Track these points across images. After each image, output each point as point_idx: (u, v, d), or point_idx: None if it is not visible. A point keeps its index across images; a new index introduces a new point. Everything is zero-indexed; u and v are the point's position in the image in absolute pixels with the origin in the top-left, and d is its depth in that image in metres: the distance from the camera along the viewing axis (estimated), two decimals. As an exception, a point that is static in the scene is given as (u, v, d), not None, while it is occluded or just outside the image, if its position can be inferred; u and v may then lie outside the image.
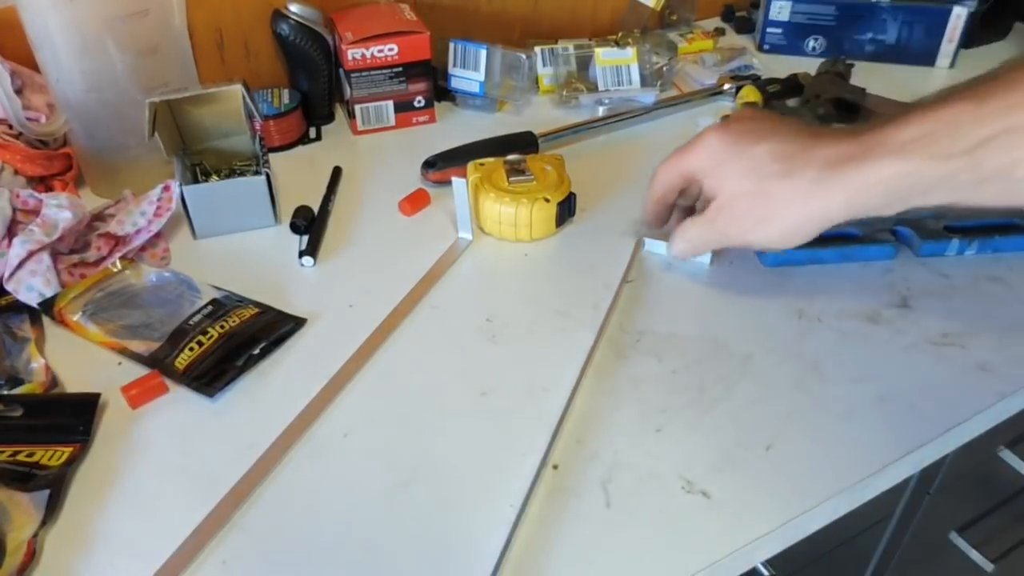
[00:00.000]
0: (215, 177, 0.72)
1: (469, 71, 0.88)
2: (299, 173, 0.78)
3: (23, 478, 0.46)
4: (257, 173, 0.69)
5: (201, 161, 0.73)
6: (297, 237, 0.68)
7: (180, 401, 0.53)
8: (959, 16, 0.95)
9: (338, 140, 0.85)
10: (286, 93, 0.84)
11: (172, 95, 0.67)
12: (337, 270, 0.66)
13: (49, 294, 0.60)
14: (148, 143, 0.67)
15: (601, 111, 0.88)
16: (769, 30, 1.02)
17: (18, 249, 0.59)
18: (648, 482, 0.47)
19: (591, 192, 0.72)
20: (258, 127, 0.73)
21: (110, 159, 0.72)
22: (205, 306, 0.59)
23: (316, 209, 0.71)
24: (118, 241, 0.66)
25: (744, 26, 1.08)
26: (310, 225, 0.69)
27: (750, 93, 0.87)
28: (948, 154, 0.45)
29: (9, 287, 0.59)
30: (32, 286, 0.60)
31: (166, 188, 0.67)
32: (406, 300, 0.61)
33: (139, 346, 0.57)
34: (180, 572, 0.42)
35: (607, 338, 0.57)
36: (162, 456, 0.49)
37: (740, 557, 0.44)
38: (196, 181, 0.71)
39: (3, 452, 0.48)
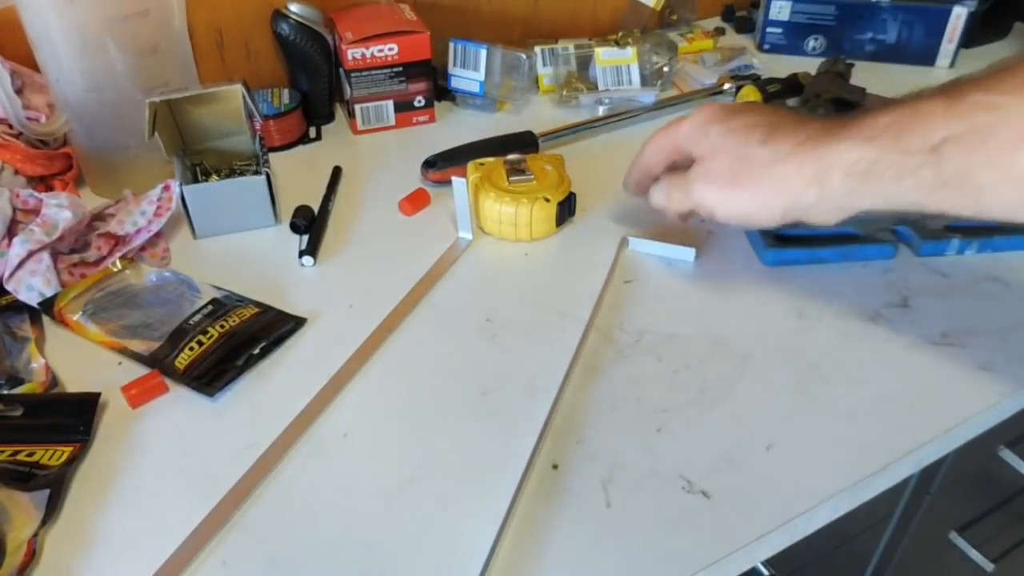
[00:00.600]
0: (215, 177, 0.72)
1: (469, 71, 0.88)
2: (299, 173, 0.78)
3: (23, 478, 0.46)
4: (257, 173, 0.69)
5: (201, 161, 0.73)
6: (297, 237, 0.68)
7: (180, 401, 0.53)
8: (959, 16, 0.95)
9: (338, 140, 0.85)
10: (286, 93, 0.84)
11: (172, 95, 0.67)
12: (337, 270, 0.66)
13: (49, 294, 0.60)
14: (148, 143, 0.67)
15: (601, 111, 0.88)
16: (769, 30, 1.02)
17: (18, 249, 0.59)
18: (648, 482, 0.47)
19: (591, 192, 0.72)
20: (258, 127, 0.73)
21: (110, 159, 0.72)
22: (205, 306, 0.59)
23: (316, 209, 0.71)
24: (118, 241, 0.66)
25: (744, 26, 1.08)
26: (310, 225, 0.69)
27: (750, 93, 0.87)
28: (912, 148, 0.44)
29: (9, 287, 0.59)
30: (32, 286, 0.60)
31: (166, 188, 0.67)
32: (406, 300, 0.61)
33: (139, 346, 0.57)
34: (180, 572, 0.42)
35: (607, 338, 0.57)
36: (162, 456, 0.49)
37: (740, 557, 0.44)
38: (196, 181, 0.71)
39: (3, 452, 0.48)
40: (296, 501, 0.47)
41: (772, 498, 0.46)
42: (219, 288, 0.61)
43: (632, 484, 0.47)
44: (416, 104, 0.85)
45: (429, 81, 0.84)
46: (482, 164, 0.70)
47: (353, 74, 0.81)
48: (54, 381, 0.54)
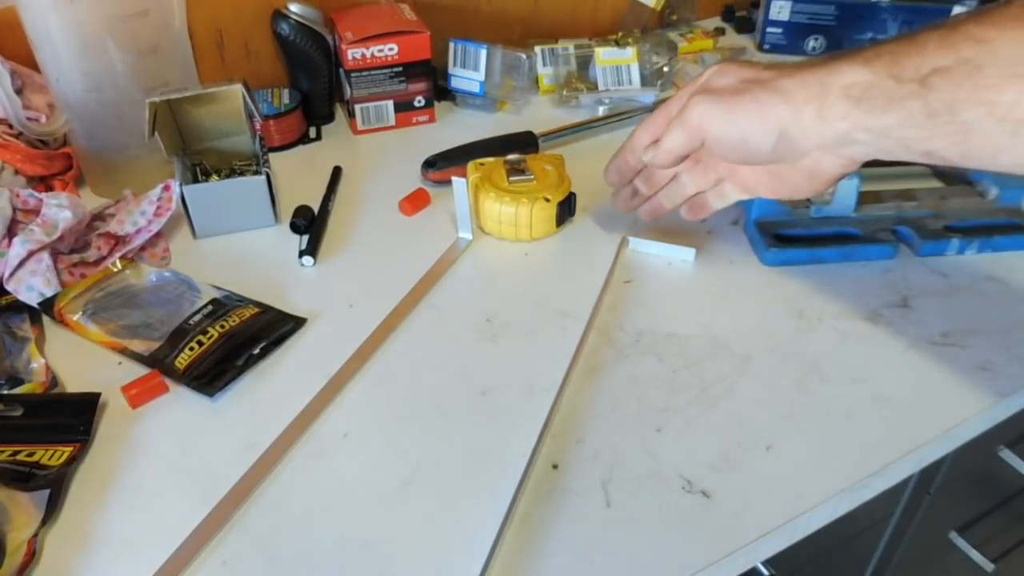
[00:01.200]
0: (215, 177, 0.72)
1: (469, 71, 0.88)
2: (299, 173, 0.78)
3: (23, 478, 0.46)
4: (257, 173, 0.69)
5: (201, 161, 0.73)
6: (297, 237, 0.68)
7: (180, 401, 0.53)
8: (959, 16, 0.94)
9: (338, 140, 0.85)
10: (286, 93, 0.84)
11: (172, 95, 0.67)
12: (337, 270, 0.66)
13: (49, 294, 0.60)
14: (148, 143, 0.67)
15: (601, 111, 0.88)
16: (769, 30, 1.02)
17: (18, 249, 0.59)
18: (648, 482, 0.47)
19: (591, 192, 0.72)
20: (258, 127, 0.73)
21: (110, 159, 0.72)
22: (205, 306, 0.59)
23: (316, 209, 0.71)
24: (118, 241, 0.66)
25: (744, 26, 1.09)
26: (310, 225, 0.69)
27: (750, 93, 0.87)
28: (904, 76, 0.43)
29: (9, 287, 0.59)
30: (32, 286, 0.60)
31: (166, 188, 0.67)
32: (406, 300, 0.61)
33: (139, 346, 0.57)
34: (180, 572, 0.42)
35: (607, 338, 0.57)
36: (162, 456, 0.49)
37: (740, 557, 0.44)
38: (196, 181, 0.71)
39: (3, 452, 0.48)
40: (296, 501, 0.47)
41: (772, 498, 0.46)
42: (219, 288, 0.61)
43: (632, 484, 0.47)
44: (416, 104, 0.85)
45: (429, 81, 0.84)
46: (482, 164, 0.70)
47: (353, 74, 0.81)
48: (54, 381, 0.54)
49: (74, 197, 0.66)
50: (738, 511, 0.45)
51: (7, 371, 0.54)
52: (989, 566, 0.78)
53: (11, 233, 0.62)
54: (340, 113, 0.89)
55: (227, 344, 0.56)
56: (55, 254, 0.62)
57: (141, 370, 0.55)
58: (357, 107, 0.83)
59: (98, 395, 0.52)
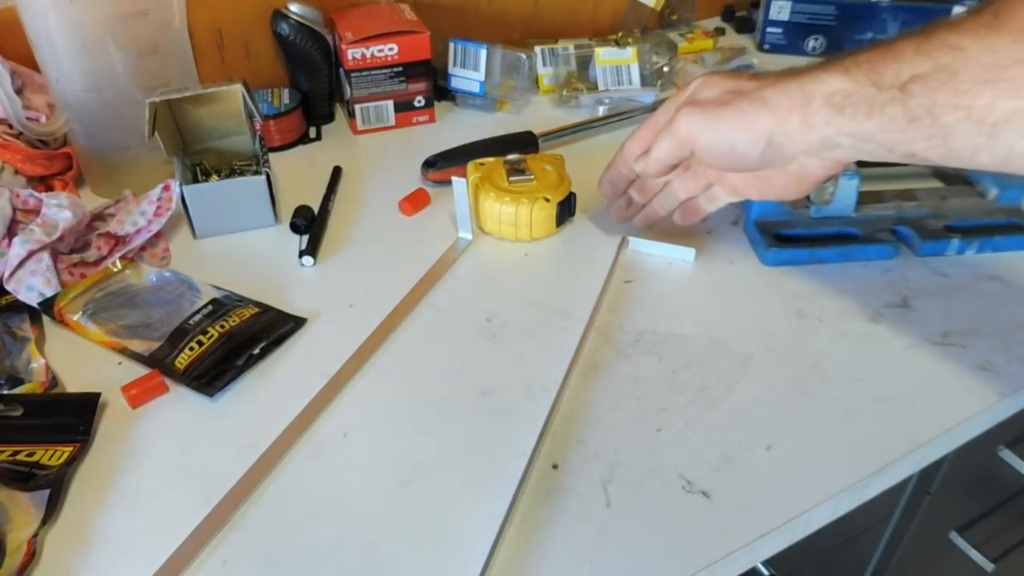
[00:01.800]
0: (215, 177, 0.72)
1: (469, 71, 0.88)
2: (299, 173, 0.78)
3: (23, 478, 0.46)
4: (257, 173, 0.69)
5: (201, 161, 0.73)
6: (297, 237, 0.68)
7: (180, 401, 0.53)
8: (959, 16, 0.94)
9: (338, 140, 0.85)
10: (286, 93, 0.84)
11: (172, 95, 0.67)
12: (337, 270, 0.66)
13: (49, 294, 0.60)
14: (148, 143, 0.67)
15: (601, 111, 0.88)
16: (769, 30, 1.02)
17: (18, 249, 0.59)
18: (648, 482, 0.47)
19: (591, 192, 0.72)
20: (258, 127, 0.73)
21: (110, 159, 0.72)
22: (205, 306, 0.59)
23: (316, 209, 0.71)
24: (118, 241, 0.66)
25: (744, 26, 1.09)
26: (310, 225, 0.69)
27: (750, 93, 0.87)
28: (884, 83, 0.45)
29: (9, 287, 0.59)
30: (32, 286, 0.60)
31: (166, 188, 0.67)
32: (406, 300, 0.61)
33: (139, 346, 0.57)
34: (180, 572, 0.42)
35: (607, 338, 0.57)
36: (162, 456, 0.49)
37: (740, 557, 0.44)
38: (196, 181, 0.71)
39: (3, 452, 0.48)
40: (296, 501, 0.47)
41: (772, 498, 0.46)
42: (219, 288, 0.61)
43: (632, 484, 0.47)
44: (416, 104, 0.85)
45: (429, 81, 0.84)
46: (482, 164, 0.70)
47: (353, 74, 0.81)
48: (54, 381, 0.54)
49: (74, 197, 0.66)
50: (738, 511, 0.45)
51: (7, 371, 0.54)
52: (989, 566, 0.78)
53: (11, 233, 0.62)
54: (340, 113, 0.89)
55: (227, 344, 0.56)
56: (55, 254, 0.62)
57: (141, 370, 0.55)
58: (357, 107, 0.83)
59: (98, 395, 0.52)
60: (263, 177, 0.68)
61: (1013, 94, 0.41)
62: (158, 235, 0.67)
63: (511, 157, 0.70)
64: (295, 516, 0.46)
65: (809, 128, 0.49)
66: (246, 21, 0.84)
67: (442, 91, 0.90)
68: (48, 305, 0.59)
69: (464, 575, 0.42)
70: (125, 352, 0.57)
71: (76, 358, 0.57)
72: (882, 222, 0.66)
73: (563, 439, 0.50)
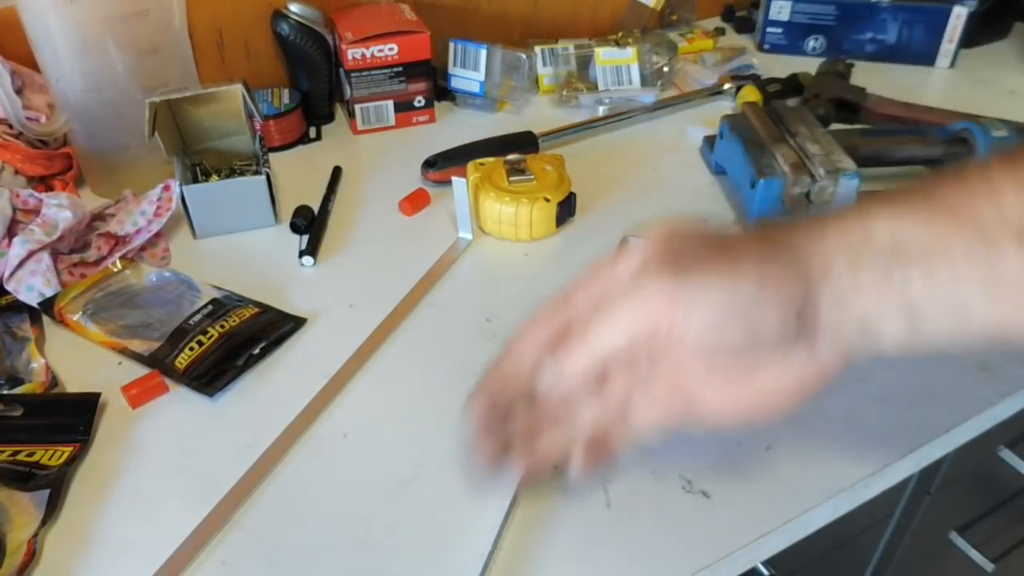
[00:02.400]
0: (215, 177, 0.72)
1: (469, 71, 0.88)
2: (299, 173, 0.78)
3: (23, 478, 0.46)
4: (257, 173, 0.69)
5: (201, 161, 0.73)
6: (297, 237, 0.68)
7: (180, 401, 0.53)
8: (959, 16, 0.95)
9: (338, 140, 0.85)
10: (286, 93, 0.84)
11: (172, 95, 0.67)
12: (337, 270, 0.66)
13: (49, 294, 0.60)
14: (148, 143, 0.67)
15: (601, 111, 0.88)
16: (769, 30, 1.02)
17: (18, 249, 0.59)
18: (648, 482, 0.47)
19: (591, 192, 0.72)
20: (258, 127, 0.73)
21: (110, 159, 0.72)
22: (205, 306, 0.59)
23: (316, 209, 0.71)
24: (118, 241, 0.66)
25: (744, 26, 1.08)
26: (310, 225, 0.69)
27: (750, 93, 0.87)
28: (987, 222, 0.32)
29: (9, 287, 0.59)
30: (32, 286, 0.60)
31: (166, 188, 0.67)
32: (406, 300, 0.61)
33: (139, 346, 0.57)
34: (180, 572, 0.42)
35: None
36: (162, 456, 0.49)
37: (740, 557, 0.44)
38: (196, 181, 0.71)
39: (3, 452, 0.48)
40: (296, 501, 0.47)
41: (772, 498, 0.46)
42: (219, 288, 0.61)
43: (632, 484, 0.47)
44: (416, 104, 0.85)
45: (429, 81, 0.84)
46: (482, 164, 0.70)
47: (353, 74, 0.81)
48: (54, 381, 0.54)
49: (74, 197, 0.66)
50: (738, 511, 0.45)
51: (7, 371, 0.54)
52: (989, 566, 0.78)
53: (11, 233, 0.62)
54: (340, 113, 0.89)
55: (227, 344, 0.56)
56: (55, 254, 0.62)
57: (141, 370, 0.55)
58: (357, 107, 0.83)
59: (98, 395, 0.52)
60: (263, 177, 0.68)
61: None
62: (158, 235, 0.67)
63: (511, 157, 0.70)
64: (295, 516, 0.46)
65: (855, 288, 0.34)
66: (246, 21, 0.84)
67: (442, 91, 0.90)
68: (48, 305, 0.59)
69: (464, 575, 0.42)
70: (125, 352, 0.57)
71: (76, 358, 0.56)
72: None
73: (563, 439, 0.50)
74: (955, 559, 0.80)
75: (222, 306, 0.59)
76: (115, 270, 0.63)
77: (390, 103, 0.84)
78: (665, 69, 0.94)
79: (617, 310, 0.36)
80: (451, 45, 0.88)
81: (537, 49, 0.92)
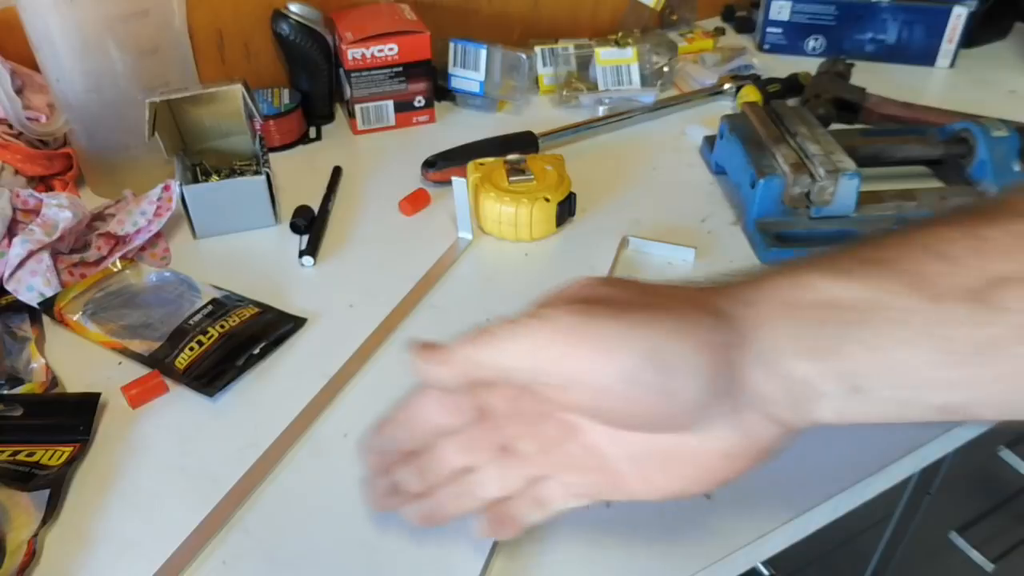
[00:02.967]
0: (215, 177, 0.72)
1: (469, 71, 0.88)
2: (299, 173, 0.78)
3: (23, 478, 0.46)
4: (257, 173, 0.69)
5: (201, 161, 0.73)
6: (297, 237, 0.68)
7: (180, 401, 0.53)
8: (959, 16, 0.95)
9: (338, 140, 0.85)
10: (286, 93, 0.84)
11: (172, 95, 0.67)
12: (337, 270, 0.66)
13: (49, 294, 0.60)
14: (148, 143, 0.67)
15: (601, 111, 0.88)
16: (769, 30, 1.02)
17: (18, 249, 0.59)
18: (648, 482, 0.47)
19: (591, 192, 0.72)
20: (258, 127, 0.73)
21: (110, 159, 0.72)
22: (205, 306, 0.59)
23: (316, 209, 0.71)
24: (118, 241, 0.66)
25: (744, 26, 1.08)
26: (310, 225, 0.69)
27: (750, 93, 0.87)
28: (942, 291, 0.29)
29: (9, 287, 0.59)
30: (32, 286, 0.60)
31: (166, 188, 0.67)
32: (406, 300, 0.61)
33: (139, 346, 0.57)
34: (180, 572, 0.42)
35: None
36: (162, 456, 0.49)
37: (740, 557, 0.44)
38: (196, 181, 0.71)
39: (3, 452, 0.48)
40: (296, 501, 0.47)
41: (772, 498, 0.46)
42: (219, 288, 0.61)
43: (632, 484, 0.47)
44: (416, 104, 0.85)
45: (429, 81, 0.84)
46: (482, 164, 0.70)
47: (353, 74, 0.81)
48: (54, 381, 0.54)
49: (74, 197, 0.66)
50: (738, 511, 0.45)
51: (7, 371, 0.54)
52: (989, 566, 0.78)
53: (11, 233, 0.62)
54: (340, 113, 0.89)
55: (227, 344, 0.56)
56: (55, 254, 0.62)
57: (141, 370, 0.55)
58: (357, 107, 0.83)
59: (98, 395, 0.52)
60: (263, 177, 0.68)
61: None
62: (158, 235, 0.67)
63: (511, 157, 0.70)
64: (295, 516, 0.46)
65: (787, 350, 0.30)
66: (246, 21, 0.84)
67: (442, 91, 0.90)
68: (48, 305, 0.59)
69: (464, 575, 0.42)
70: (125, 352, 0.57)
71: (76, 358, 0.56)
72: (882, 222, 0.66)
73: (563, 439, 0.50)
74: (955, 559, 0.80)
75: (222, 306, 0.59)
76: (115, 270, 0.63)
77: (390, 103, 0.84)
78: (665, 69, 0.94)
79: (512, 332, 0.33)
80: (451, 45, 0.88)
81: (537, 49, 0.92)
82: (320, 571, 0.43)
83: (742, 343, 0.30)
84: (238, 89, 0.68)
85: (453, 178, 0.65)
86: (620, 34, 0.97)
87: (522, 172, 0.68)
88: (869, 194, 0.67)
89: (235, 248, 0.68)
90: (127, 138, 0.70)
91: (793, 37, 1.02)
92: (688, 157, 0.80)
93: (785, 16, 1.01)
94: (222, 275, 0.63)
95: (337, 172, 0.77)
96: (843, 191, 0.64)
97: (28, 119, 0.71)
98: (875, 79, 0.89)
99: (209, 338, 0.56)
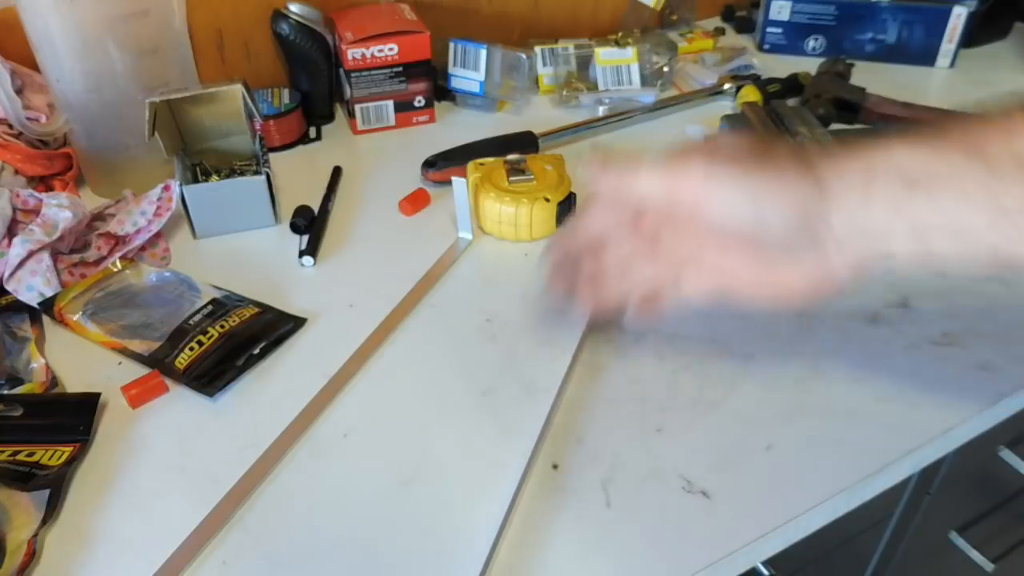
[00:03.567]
0: (215, 177, 0.72)
1: (469, 71, 0.88)
2: (299, 173, 0.78)
3: (23, 478, 0.46)
4: (257, 173, 0.69)
5: (201, 161, 0.73)
6: (297, 237, 0.68)
7: (180, 401, 0.53)
8: (959, 16, 0.95)
9: (338, 140, 0.85)
10: (286, 93, 0.84)
11: (172, 95, 0.67)
12: (337, 270, 0.66)
13: (49, 294, 0.60)
14: (148, 143, 0.67)
15: (601, 111, 0.88)
16: (769, 30, 1.02)
17: (18, 249, 0.59)
18: (648, 482, 0.47)
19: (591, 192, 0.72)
20: (258, 127, 0.73)
21: (110, 159, 0.72)
22: (205, 306, 0.59)
23: (316, 209, 0.71)
24: (118, 241, 0.66)
25: (744, 26, 1.08)
26: (310, 225, 0.69)
27: (750, 93, 0.87)
28: (995, 156, 0.36)
29: (9, 287, 0.59)
30: (32, 286, 0.60)
31: (166, 188, 0.67)
32: (406, 300, 0.61)
33: (139, 346, 0.57)
34: (180, 572, 0.42)
35: (607, 338, 0.57)
36: (162, 456, 0.49)
37: (740, 557, 0.44)
38: (196, 181, 0.71)
39: (3, 452, 0.48)
40: (296, 501, 0.47)
41: (772, 498, 0.46)
42: (219, 288, 0.61)
43: (632, 484, 0.47)
44: (416, 104, 0.85)
45: (429, 81, 0.84)
46: (482, 164, 0.70)
47: (353, 74, 0.81)
48: (54, 381, 0.54)
49: (74, 197, 0.66)
50: (738, 511, 0.45)
51: (7, 371, 0.54)
52: (989, 566, 0.78)
53: (11, 233, 0.62)
54: (340, 113, 0.89)
55: (227, 344, 0.56)
56: (55, 254, 0.62)
57: (141, 370, 0.55)
58: (357, 107, 0.83)
59: (98, 395, 0.52)
60: (263, 177, 0.68)
61: None
62: (158, 235, 0.67)
63: (511, 157, 0.70)
64: (295, 516, 0.46)
65: (865, 205, 0.38)
66: (246, 21, 0.84)
67: (442, 91, 0.90)
68: (48, 305, 0.59)
69: (464, 575, 0.42)
70: (125, 352, 0.57)
71: (76, 358, 0.57)
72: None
73: (563, 439, 0.50)
74: (955, 559, 0.80)
75: (222, 306, 0.59)
76: (115, 270, 0.63)
77: (390, 103, 0.84)
78: (665, 69, 0.94)
79: (661, 170, 0.42)
80: (451, 45, 0.88)
81: (537, 49, 0.92)
82: (320, 571, 0.43)
83: (827, 196, 0.38)
84: (238, 89, 0.68)
85: (453, 178, 0.65)
86: (620, 34, 0.97)
87: (522, 172, 0.68)
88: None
89: (235, 248, 0.68)
90: (127, 138, 0.70)
91: (793, 37, 1.02)
92: (688, 157, 0.80)
93: (785, 16, 1.01)
94: (222, 275, 0.63)
95: (337, 172, 0.77)
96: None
97: (28, 119, 0.71)
98: (875, 79, 0.88)
99: (209, 338, 0.56)
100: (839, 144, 0.40)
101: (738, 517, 0.45)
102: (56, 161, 0.73)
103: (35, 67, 0.70)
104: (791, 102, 0.87)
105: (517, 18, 0.98)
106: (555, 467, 0.48)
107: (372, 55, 0.81)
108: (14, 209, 0.63)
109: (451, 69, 0.89)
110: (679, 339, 0.57)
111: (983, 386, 0.53)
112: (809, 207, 0.39)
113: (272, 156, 0.77)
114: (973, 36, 0.99)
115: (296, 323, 0.59)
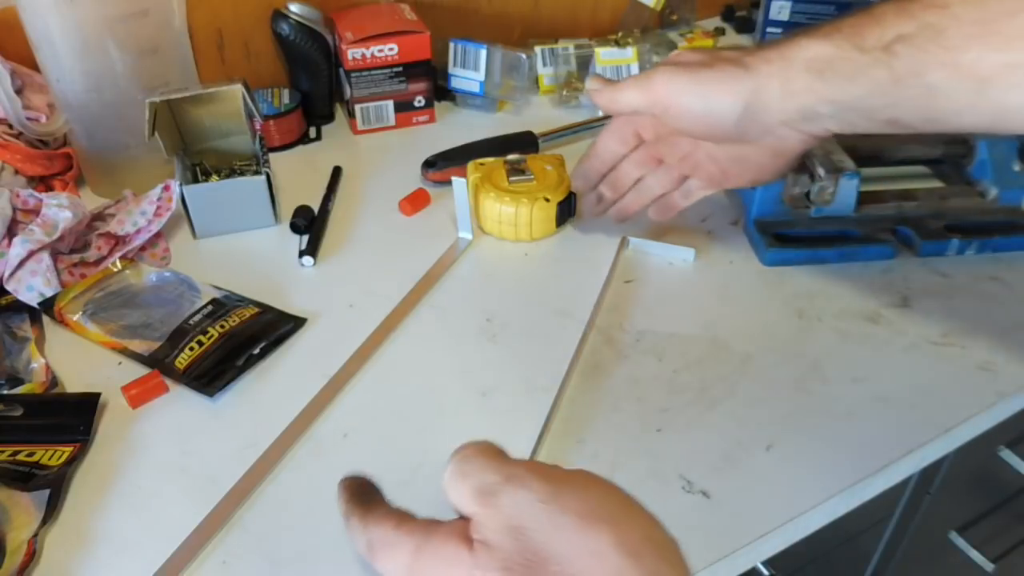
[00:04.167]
0: (215, 177, 0.72)
1: (469, 71, 0.88)
2: (299, 173, 0.78)
3: (23, 478, 0.46)
4: (257, 173, 0.69)
5: (201, 161, 0.73)
6: (297, 237, 0.68)
7: (180, 401, 0.53)
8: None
9: (338, 140, 0.85)
10: (286, 93, 0.84)
11: (172, 95, 0.67)
12: (337, 270, 0.66)
13: (49, 294, 0.60)
14: (148, 143, 0.67)
15: (601, 111, 0.88)
16: (769, 30, 1.02)
17: (18, 249, 0.60)
18: (648, 482, 0.47)
19: (591, 192, 0.72)
20: (258, 127, 0.73)
21: (110, 159, 0.72)
22: (205, 306, 0.59)
23: (316, 209, 0.71)
24: (118, 241, 0.66)
25: (744, 26, 1.08)
26: (310, 225, 0.69)
27: (750, 93, 0.87)
28: (867, 46, 0.45)
29: (9, 287, 0.59)
30: (32, 286, 0.60)
31: (166, 188, 0.67)
32: (406, 300, 0.61)
33: (139, 346, 0.57)
34: (180, 572, 0.43)
35: (607, 338, 0.57)
36: (162, 456, 0.49)
37: (740, 557, 0.44)
38: (196, 181, 0.71)
39: (3, 452, 0.48)
40: (296, 501, 0.47)
41: (772, 498, 0.46)
42: (219, 288, 0.61)
43: (632, 484, 0.47)
44: (416, 104, 0.85)
45: (429, 81, 0.84)
46: (482, 164, 0.70)
47: (353, 74, 0.81)
48: (54, 381, 0.54)
49: (74, 197, 0.66)
50: (738, 511, 0.45)
51: (7, 371, 0.54)
52: (989, 566, 0.78)
53: (11, 233, 0.62)
54: (340, 113, 0.89)
55: (227, 344, 0.56)
56: (55, 254, 0.62)
57: (141, 370, 0.55)
58: (357, 107, 0.83)
59: (98, 395, 0.52)
60: (263, 177, 0.68)
61: (1002, 47, 0.40)
62: (158, 235, 0.67)
63: (511, 157, 0.70)
64: (295, 516, 0.46)
65: (789, 95, 0.48)
66: (246, 21, 0.84)
67: (442, 91, 0.90)
68: (48, 305, 0.59)
69: (464, 575, 0.42)
70: (125, 352, 0.57)
71: (76, 358, 0.57)
72: (882, 222, 0.66)
73: (563, 439, 0.50)
74: (955, 559, 0.80)
75: (222, 306, 0.59)
76: (115, 270, 0.63)
77: (390, 103, 0.84)
78: (665, 69, 0.94)
79: (632, 83, 0.55)
80: (451, 45, 0.88)
81: (537, 49, 0.92)
82: (320, 571, 0.43)
83: (765, 87, 0.49)
84: (238, 89, 0.68)
85: (453, 178, 0.65)
86: (620, 34, 0.97)
87: (522, 172, 0.68)
88: (869, 194, 0.67)
89: (235, 248, 0.68)
90: (127, 138, 0.70)
91: (793, 37, 1.02)
92: (688, 157, 0.80)
93: (785, 16, 1.01)
94: (222, 275, 0.63)
95: (337, 172, 0.77)
96: (843, 191, 0.64)
97: (28, 119, 0.71)
98: (875, 79, 0.88)
99: (209, 338, 0.56)
100: (759, 46, 0.52)
101: (738, 517, 0.45)
102: (56, 161, 0.73)
103: (35, 67, 0.70)
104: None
105: (517, 18, 0.98)
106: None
107: (372, 55, 0.81)
108: (14, 209, 0.63)
109: (451, 69, 0.89)
110: (679, 339, 0.57)
111: (983, 386, 0.53)
112: (747, 94, 0.50)
113: (272, 156, 0.77)
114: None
115: (296, 323, 0.59)
